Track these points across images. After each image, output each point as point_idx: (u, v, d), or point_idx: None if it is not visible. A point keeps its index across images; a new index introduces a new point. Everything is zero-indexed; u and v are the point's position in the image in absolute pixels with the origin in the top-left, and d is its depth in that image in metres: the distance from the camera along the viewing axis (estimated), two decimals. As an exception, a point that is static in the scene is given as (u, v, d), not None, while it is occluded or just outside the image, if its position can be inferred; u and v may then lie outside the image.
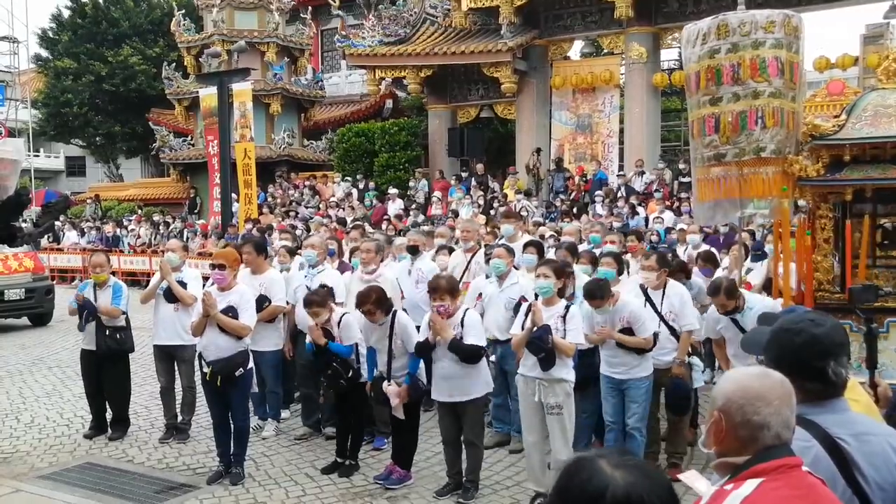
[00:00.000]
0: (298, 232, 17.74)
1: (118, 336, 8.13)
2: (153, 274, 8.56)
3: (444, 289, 6.37)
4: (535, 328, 6.01)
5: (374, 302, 6.59)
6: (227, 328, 6.84)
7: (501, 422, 7.95)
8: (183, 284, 8.02)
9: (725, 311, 6.49)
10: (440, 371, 6.46)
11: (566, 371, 6.17)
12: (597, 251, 8.69)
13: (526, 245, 8.34)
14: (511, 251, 7.79)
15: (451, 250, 9.37)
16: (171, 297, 7.98)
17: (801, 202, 8.31)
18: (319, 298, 6.98)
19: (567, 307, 6.21)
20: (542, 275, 6.19)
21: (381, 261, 8.30)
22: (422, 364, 6.64)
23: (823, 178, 7.25)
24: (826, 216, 7.42)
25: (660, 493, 1.69)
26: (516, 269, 7.81)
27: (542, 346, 5.96)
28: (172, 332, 8.06)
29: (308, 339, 7.18)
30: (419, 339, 6.52)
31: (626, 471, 1.69)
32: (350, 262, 9.27)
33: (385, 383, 6.61)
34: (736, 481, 2.23)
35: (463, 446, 6.62)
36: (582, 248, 9.45)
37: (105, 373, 8.24)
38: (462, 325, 6.34)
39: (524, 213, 17.40)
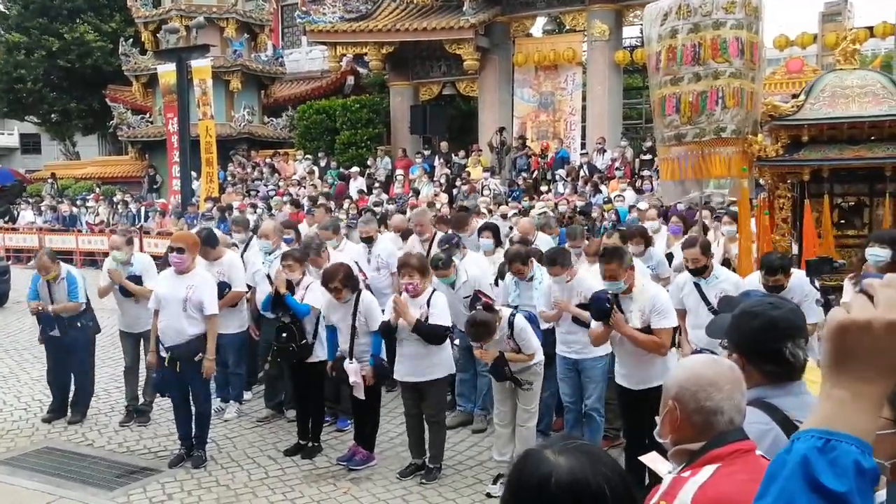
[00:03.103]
0: (259, 210, 17.60)
1: (79, 324, 8.03)
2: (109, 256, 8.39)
3: (414, 266, 6.39)
4: (489, 364, 6.10)
5: (342, 279, 6.58)
6: (211, 339, 6.91)
7: (466, 398, 7.97)
8: (137, 278, 7.88)
9: (696, 266, 6.41)
10: (404, 352, 6.49)
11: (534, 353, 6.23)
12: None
13: (481, 229, 8.32)
14: (449, 262, 7.33)
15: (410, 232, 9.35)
16: (126, 293, 7.90)
17: (762, 181, 8.42)
18: (298, 254, 7.18)
19: (511, 323, 6.13)
20: (484, 343, 6.09)
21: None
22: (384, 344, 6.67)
23: (782, 159, 7.35)
24: (784, 196, 7.53)
25: (606, 473, 1.68)
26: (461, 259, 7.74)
27: (503, 377, 6.09)
28: (135, 323, 7.99)
29: (268, 291, 7.22)
30: (383, 319, 6.53)
31: (570, 455, 1.69)
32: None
33: (346, 361, 6.63)
34: (693, 468, 2.26)
35: (425, 425, 6.65)
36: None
37: (70, 357, 8.14)
38: (428, 305, 6.36)
39: (488, 192, 17.41)
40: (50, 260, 8.11)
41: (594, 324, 5.90)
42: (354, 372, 6.57)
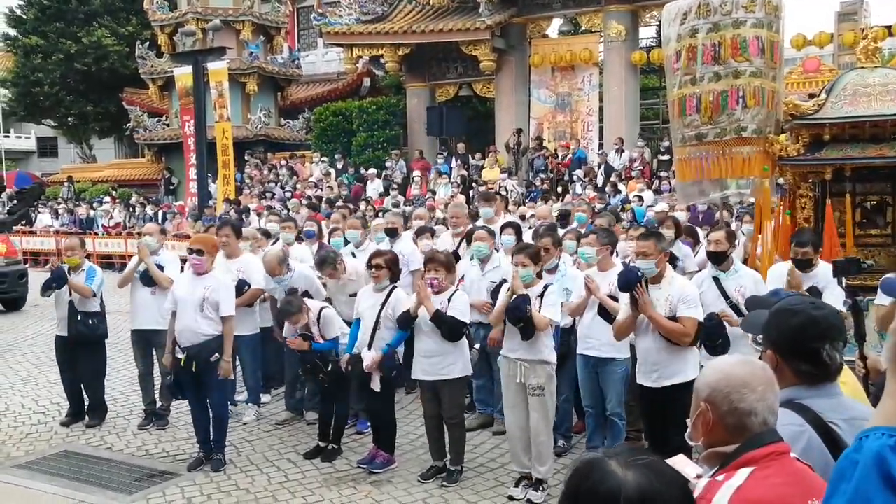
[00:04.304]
0: (272, 224, 17.57)
1: (90, 322, 8.01)
2: (129, 257, 8.45)
3: (441, 261, 6.40)
4: (513, 297, 5.95)
5: (388, 261, 6.68)
6: (228, 340, 6.92)
7: (484, 403, 7.94)
8: (160, 268, 7.92)
9: (718, 249, 6.35)
10: (421, 348, 6.45)
11: (548, 352, 6.13)
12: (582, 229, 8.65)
13: (503, 227, 8.26)
14: (493, 233, 7.71)
15: (432, 232, 9.27)
16: (148, 280, 7.88)
17: (781, 180, 8.34)
18: (294, 308, 6.96)
19: (545, 286, 6.13)
20: (521, 263, 6.12)
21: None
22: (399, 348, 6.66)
23: (803, 158, 7.26)
24: (806, 195, 7.44)
25: (673, 492, 1.67)
26: (497, 251, 7.75)
27: (520, 314, 5.88)
28: (150, 317, 7.93)
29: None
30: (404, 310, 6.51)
31: (638, 471, 1.66)
32: (329, 243, 9.16)
33: (364, 350, 6.59)
34: (727, 471, 2.22)
35: (445, 427, 6.61)
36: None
37: (80, 359, 8.13)
38: (448, 302, 6.32)
39: (505, 192, 17.36)
40: (79, 243, 8.24)
41: (620, 312, 5.86)
42: (371, 359, 6.54)
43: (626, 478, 1.65)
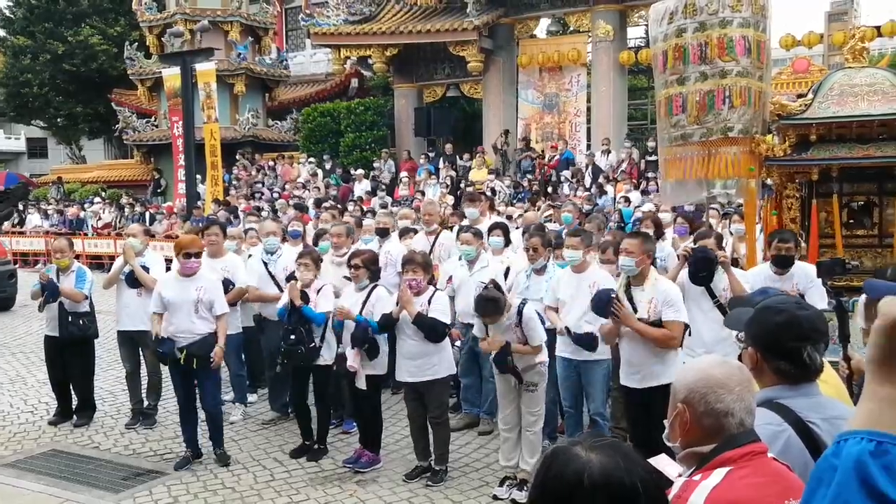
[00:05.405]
0: (264, 214, 17.55)
1: (81, 322, 8.01)
2: (118, 256, 8.43)
3: (418, 262, 6.43)
4: (493, 354, 6.02)
5: (365, 260, 6.74)
6: (222, 335, 6.95)
7: (471, 403, 7.93)
8: (146, 270, 7.90)
9: None
10: (404, 350, 6.46)
11: (539, 354, 6.16)
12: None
13: (491, 227, 8.28)
14: (479, 234, 7.72)
15: (415, 233, 9.29)
16: (133, 282, 7.87)
17: (768, 181, 8.36)
18: (315, 255, 7.23)
19: (520, 312, 6.05)
20: (485, 340, 6.16)
21: (352, 243, 8.26)
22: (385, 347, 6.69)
23: (790, 158, 7.28)
24: (793, 196, 7.46)
25: (639, 471, 1.67)
26: (485, 251, 7.76)
27: (506, 368, 6.01)
28: (136, 318, 7.94)
29: (282, 303, 7.16)
30: (385, 312, 6.51)
31: (602, 452, 1.67)
32: (316, 245, 9.15)
33: (347, 348, 6.62)
34: (704, 471, 2.22)
35: (430, 428, 6.61)
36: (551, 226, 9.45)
37: (69, 359, 8.13)
38: (429, 304, 6.34)
39: (493, 193, 17.38)
40: (68, 245, 8.23)
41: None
42: (353, 357, 6.55)
43: (589, 459, 1.66)
